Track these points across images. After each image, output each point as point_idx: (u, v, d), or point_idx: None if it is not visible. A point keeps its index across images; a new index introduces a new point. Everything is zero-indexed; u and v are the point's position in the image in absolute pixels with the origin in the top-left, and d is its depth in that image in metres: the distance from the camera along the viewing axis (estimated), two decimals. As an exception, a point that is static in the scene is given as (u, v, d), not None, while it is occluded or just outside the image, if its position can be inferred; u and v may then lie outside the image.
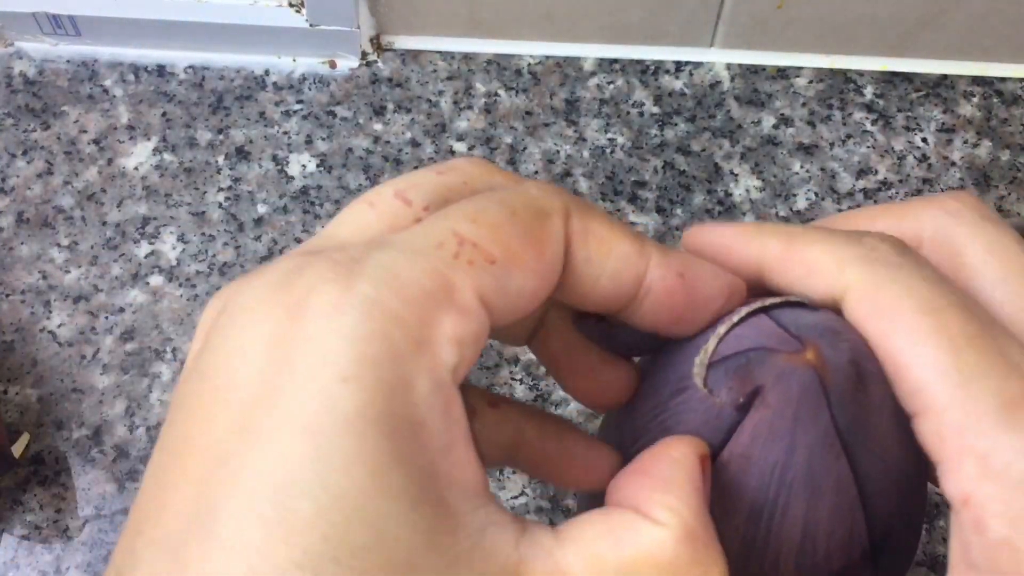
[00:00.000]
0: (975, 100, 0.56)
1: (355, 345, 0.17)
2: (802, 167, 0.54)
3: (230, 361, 0.18)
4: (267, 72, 0.57)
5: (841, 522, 0.21)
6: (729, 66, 0.57)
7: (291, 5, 0.56)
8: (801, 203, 0.53)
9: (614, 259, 0.21)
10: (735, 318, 0.22)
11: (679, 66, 0.57)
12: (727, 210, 0.53)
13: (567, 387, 0.25)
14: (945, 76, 0.57)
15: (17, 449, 0.46)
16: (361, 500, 0.17)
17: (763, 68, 0.57)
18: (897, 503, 0.21)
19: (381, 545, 0.17)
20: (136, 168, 0.54)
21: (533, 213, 0.20)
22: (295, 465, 0.17)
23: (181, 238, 0.52)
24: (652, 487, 0.20)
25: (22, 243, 0.52)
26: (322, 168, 0.54)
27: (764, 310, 0.22)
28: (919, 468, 0.22)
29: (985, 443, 0.18)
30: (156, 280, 0.51)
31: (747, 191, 0.53)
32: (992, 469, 0.18)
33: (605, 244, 0.21)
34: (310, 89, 0.57)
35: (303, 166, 0.54)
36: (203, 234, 0.52)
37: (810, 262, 0.21)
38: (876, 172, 0.54)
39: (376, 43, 0.58)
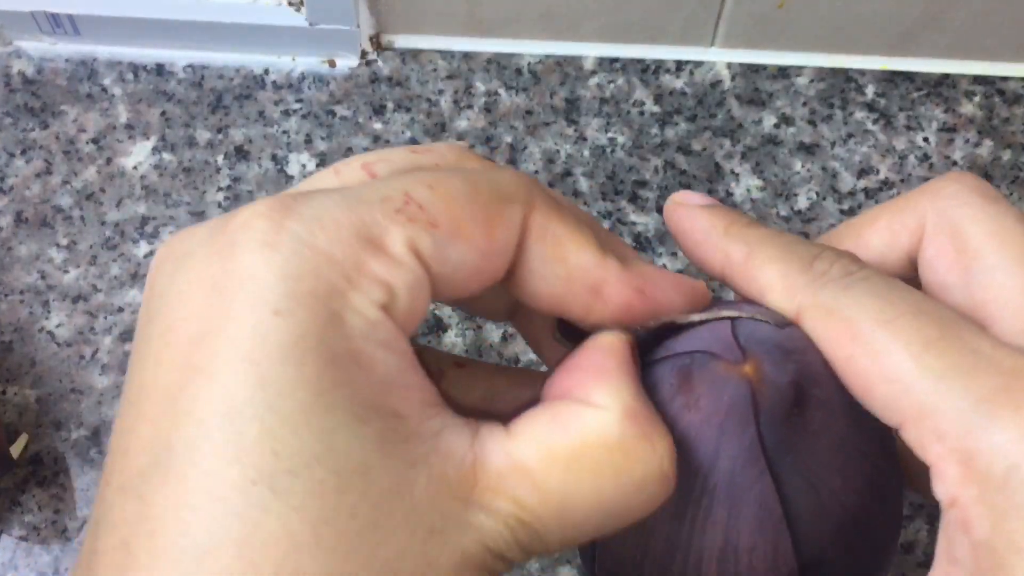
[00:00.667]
0: (977, 99, 0.56)
1: (286, 281, 0.18)
2: (803, 166, 0.54)
3: (172, 304, 0.19)
4: (266, 71, 0.57)
5: (764, 539, 0.21)
6: (730, 65, 0.57)
7: (290, 4, 0.56)
8: (802, 202, 0.53)
9: (570, 265, 0.21)
10: (699, 318, 0.22)
11: (680, 65, 0.57)
12: (728, 210, 0.53)
13: (548, 362, 0.25)
14: (946, 75, 0.57)
15: (16, 450, 0.46)
16: (307, 417, 0.17)
17: (764, 67, 0.57)
18: (833, 533, 0.21)
19: (332, 454, 0.17)
20: (135, 167, 0.54)
21: (494, 195, 0.20)
22: (239, 393, 0.17)
23: (180, 238, 0.52)
24: (589, 377, 0.20)
25: (20, 243, 0.52)
26: (322, 167, 0.54)
27: (731, 318, 0.22)
28: (870, 504, 0.22)
29: (966, 444, 0.19)
30: (155, 280, 0.51)
31: (748, 190, 0.53)
32: (974, 470, 0.18)
33: (562, 248, 0.21)
34: (310, 88, 0.56)
35: (303, 165, 0.54)
36: (202, 234, 0.52)
37: (763, 284, 0.22)
38: (877, 171, 0.54)
39: (376, 42, 0.58)
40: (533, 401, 0.21)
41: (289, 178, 0.54)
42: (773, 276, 0.22)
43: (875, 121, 0.55)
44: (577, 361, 0.21)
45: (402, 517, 0.18)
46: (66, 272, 0.51)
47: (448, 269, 0.20)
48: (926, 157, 0.54)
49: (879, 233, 0.24)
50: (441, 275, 0.20)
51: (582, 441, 0.19)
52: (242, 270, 0.18)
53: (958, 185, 0.23)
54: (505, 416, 0.23)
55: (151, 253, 0.52)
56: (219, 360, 0.18)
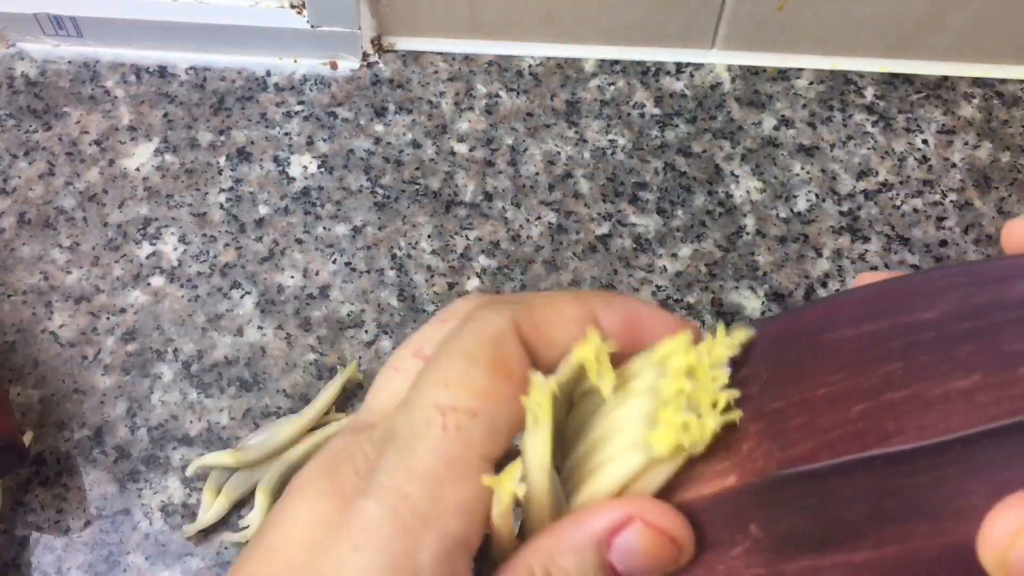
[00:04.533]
0: (975, 101, 0.56)
1: (373, 527, 0.21)
2: (803, 168, 0.54)
3: (283, 529, 0.23)
4: (268, 73, 0.57)
5: None
6: (730, 67, 0.57)
7: (292, 6, 0.56)
8: (802, 204, 0.53)
9: (568, 329, 0.23)
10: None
11: (680, 67, 0.57)
12: (728, 211, 0.53)
13: None
14: (945, 77, 0.57)
15: (19, 449, 0.46)
16: None
17: (764, 69, 0.57)
18: None
19: None
20: (137, 169, 0.54)
21: (489, 344, 0.23)
22: None
23: (182, 239, 0.52)
24: None
25: (24, 244, 0.52)
26: (323, 169, 0.54)
27: None
28: None
29: None
30: (157, 281, 0.51)
31: (748, 192, 0.53)
32: None
33: (554, 324, 0.24)
34: (311, 90, 0.57)
35: (304, 167, 0.54)
36: (204, 235, 0.52)
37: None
38: (877, 173, 0.54)
39: (377, 44, 0.58)
40: None
41: (291, 179, 0.54)
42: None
43: (874, 123, 0.55)
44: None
45: None
46: (69, 273, 0.52)
47: (503, 435, 0.23)
48: (925, 159, 0.54)
49: None
50: (497, 444, 0.23)
51: None
52: (347, 519, 0.22)
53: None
54: None
55: (153, 254, 0.52)
56: None
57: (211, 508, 0.45)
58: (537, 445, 0.23)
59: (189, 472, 0.46)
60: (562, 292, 0.25)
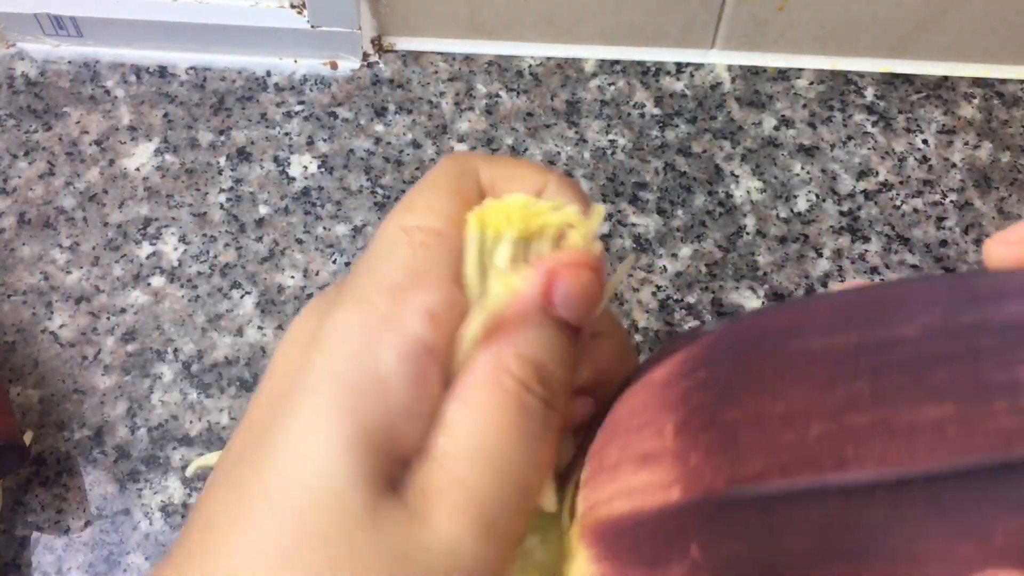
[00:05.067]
0: (976, 102, 0.56)
1: (335, 331, 0.23)
2: (803, 168, 0.54)
3: (278, 359, 0.24)
4: (268, 73, 0.57)
5: None
6: (730, 67, 0.57)
7: (292, 6, 0.56)
8: (802, 204, 0.53)
9: (522, 187, 0.26)
10: None
11: (680, 67, 0.57)
12: (728, 211, 0.53)
13: None
14: (946, 77, 0.57)
15: (19, 449, 0.46)
16: (308, 441, 0.22)
17: (764, 69, 0.57)
18: None
19: (317, 477, 0.22)
20: (138, 169, 0.54)
21: (454, 176, 0.25)
22: (296, 433, 0.22)
23: (182, 239, 0.52)
24: None
25: (24, 244, 0.52)
26: (323, 169, 0.54)
27: None
28: None
29: None
30: (157, 281, 0.51)
31: (748, 192, 0.53)
32: None
33: (514, 181, 0.26)
34: (311, 90, 0.57)
35: (304, 167, 0.54)
36: (204, 235, 0.52)
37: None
38: (877, 174, 0.54)
39: (377, 44, 0.58)
40: None
41: (291, 179, 0.54)
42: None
43: (874, 123, 0.55)
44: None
45: None
46: (69, 273, 0.52)
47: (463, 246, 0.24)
48: (925, 159, 0.54)
49: None
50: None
51: None
52: (320, 331, 0.24)
53: None
54: None
55: (153, 254, 0.52)
56: (293, 403, 0.23)
57: None
58: (466, 267, 0.24)
59: (189, 473, 0.46)
60: (531, 163, 0.27)
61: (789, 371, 0.19)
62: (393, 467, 0.22)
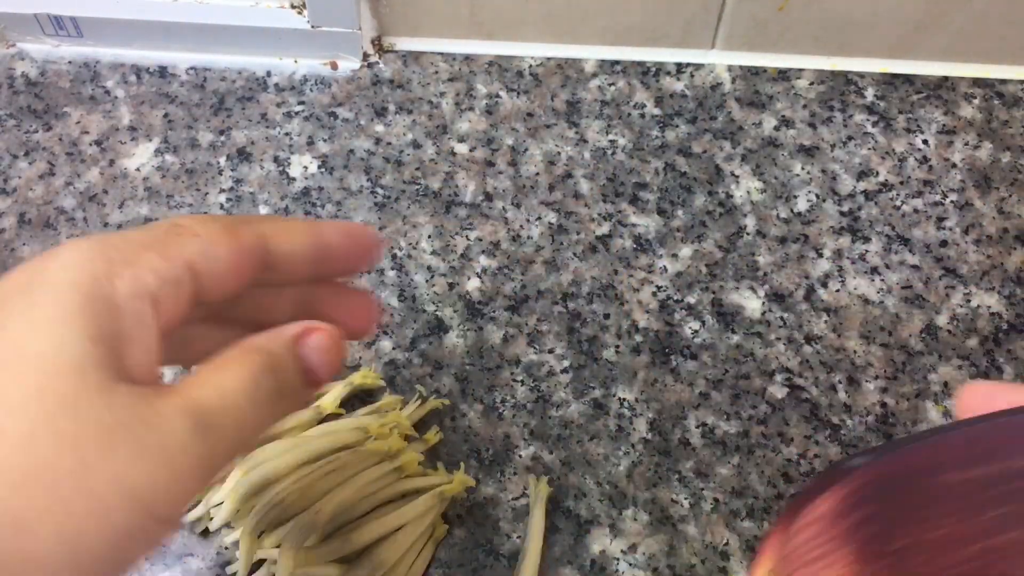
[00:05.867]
0: (976, 102, 0.56)
1: (81, 255, 0.26)
2: (803, 169, 0.54)
3: (6, 277, 0.27)
4: (269, 73, 0.57)
5: None
6: (730, 68, 0.57)
7: (293, 7, 0.56)
8: (802, 204, 0.53)
9: (301, 235, 0.31)
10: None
11: (680, 68, 0.57)
12: (728, 212, 0.53)
13: (338, 326, 0.32)
14: (946, 78, 0.57)
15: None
16: (51, 325, 0.25)
17: (764, 70, 0.57)
18: None
19: (60, 351, 0.25)
20: (138, 169, 0.54)
21: (234, 222, 0.29)
22: (23, 321, 0.25)
23: (183, 239, 0.52)
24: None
25: (24, 244, 0.52)
26: (323, 169, 0.54)
27: None
28: None
29: None
30: (158, 281, 0.51)
31: (748, 193, 0.53)
32: None
33: (290, 231, 0.30)
34: (312, 90, 0.57)
35: (304, 167, 0.54)
36: (205, 235, 0.52)
37: None
38: (877, 174, 0.54)
39: (377, 44, 0.58)
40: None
41: (291, 180, 0.54)
42: None
43: (875, 123, 0.55)
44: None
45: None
46: (69, 273, 0.52)
47: (212, 266, 0.28)
48: (925, 159, 0.54)
49: None
50: (207, 272, 0.28)
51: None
52: (56, 253, 0.26)
53: None
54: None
55: (154, 254, 0.52)
56: (21, 300, 0.26)
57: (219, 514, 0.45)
58: None
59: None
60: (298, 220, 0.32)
61: (939, 502, 0.23)
62: (120, 375, 0.25)
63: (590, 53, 0.57)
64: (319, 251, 0.31)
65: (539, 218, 0.53)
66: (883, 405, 0.47)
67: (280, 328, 0.29)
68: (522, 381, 0.48)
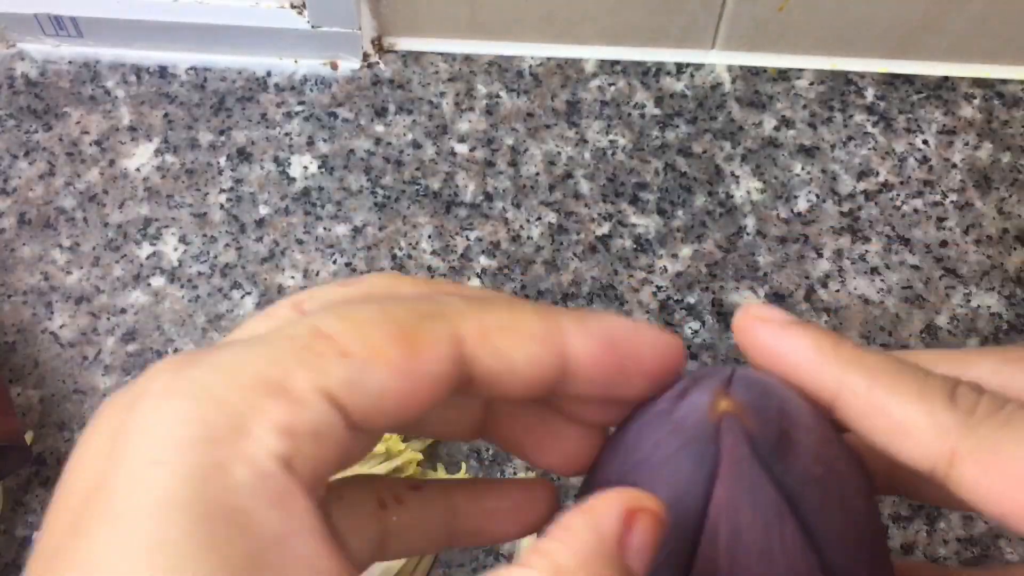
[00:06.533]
0: (976, 102, 0.56)
1: (171, 428, 0.17)
2: (803, 169, 0.54)
3: (77, 460, 0.18)
4: (269, 73, 0.57)
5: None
6: (730, 68, 0.57)
7: (293, 7, 0.56)
8: (802, 204, 0.53)
9: (525, 343, 0.19)
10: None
11: (680, 68, 0.57)
12: (728, 212, 0.53)
13: (535, 463, 0.24)
14: (946, 78, 0.57)
15: (19, 450, 0.46)
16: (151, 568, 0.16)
17: (764, 70, 0.57)
18: (855, 550, 0.21)
19: None
20: (138, 169, 0.54)
21: (413, 315, 0.19)
22: (108, 555, 0.16)
23: (183, 239, 0.52)
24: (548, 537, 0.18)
25: (24, 244, 0.52)
26: (324, 169, 0.54)
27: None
28: (874, 513, 0.22)
29: None
30: (158, 281, 0.51)
31: (748, 193, 0.53)
32: None
33: (509, 333, 0.19)
34: (312, 90, 0.57)
35: (304, 167, 0.54)
36: (205, 235, 0.52)
37: (902, 422, 0.20)
38: (877, 174, 0.54)
39: (378, 44, 0.58)
40: (494, 511, 0.21)
41: (291, 180, 0.54)
42: (915, 414, 0.19)
43: (875, 124, 0.55)
44: (563, 519, 0.19)
45: None
46: (69, 273, 0.52)
47: (368, 399, 0.18)
48: (926, 159, 0.54)
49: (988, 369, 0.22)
50: (361, 407, 0.18)
51: None
52: (137, 420, 0.17)
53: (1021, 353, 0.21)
54: (469, 533, 0.23)
55: (154, 254, 0.52)
56: (97, 518, 0.17)
57: None
58: None
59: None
60: (523, 301, 0.21)
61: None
62: None
63: (590, 53, 0.57)
64: (555, 371, 0.20)
65: (539, 218, 0.53)
66: (883, 405, 0.47)
67: (599, 499, 0.18)
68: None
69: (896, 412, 0.20)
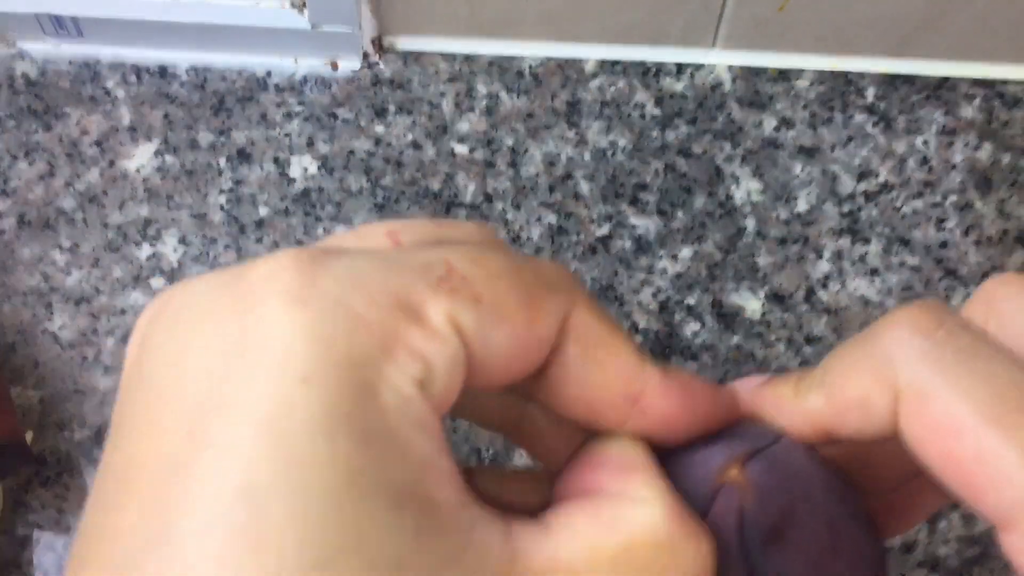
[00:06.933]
0: (976, 102, 0.56)
1: (316, 344, 0.16)
2: (803, 169, 0.54)
3: (175, 364, 0.17)
4: (269, 73, 0.57)
5: None
6: (730, 68, 0.57)
7: (293, 6, 0.56)
8: (802, 205, 0.53)
9: (609, 370, 0.19)
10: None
11: (680, 68, 0.57)
12: (728, 213, 0.53)
13: (542, 459, 0.24)
14: (946, 78, 0.57)
15: (19, 451, 0.47)
16: (337, 501, 0.15)
17: (764, 70, 0.57)
18: None
19: (364, 547, 0.15)
20: (138, 170, 0.54)
21: (539, 281, 0.19)
22: (259, 469, 0.15)
23: (182, 240, 0.52)
24: (622, 471, 0.19)
25: (23, 245, 0.52)
26: (323, 170, 0.54)
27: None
28: None
29: None
30: (158, 282, 0.51)
31: (748, 194, 0.53)
32: None
33: (604, 349, 0.19)
34: (311, 91, 0.57)
35: (304, 168, 0.54)
36: (204, 236, 0.52)
37: (855, 399, 0.19)
38: (877, 175, 0.54)
39: (378, 44, 0.58)
40: (545, 502, 0.20)
41: (291, 180, 0.54)
42: (861, 378, 0.19)
43: (875, 124, 0.55)
44: (601, 457, 0.19)
45: None
46: (69, 274, 0.52)
47: (487, 351, 0.18)
48: (926, 160, 0.54)
49: (855, 387, 0.20)
50: (479, 356, 0.18)
51: (629, 539, 0.18)
52: (266, 328, 0.16)
53: (905, 331, 0.18)
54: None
55: (154, 255, 0.52)
56: (236, 432, 0.15)
57: None
58: None
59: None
60: (627, 333, 0.21)
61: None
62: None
63: (590, 53, 0.57)
64: (625, 409, 0.20)
65: (539, 219, 0.53)
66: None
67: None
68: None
69: (848, 394, 0.19)
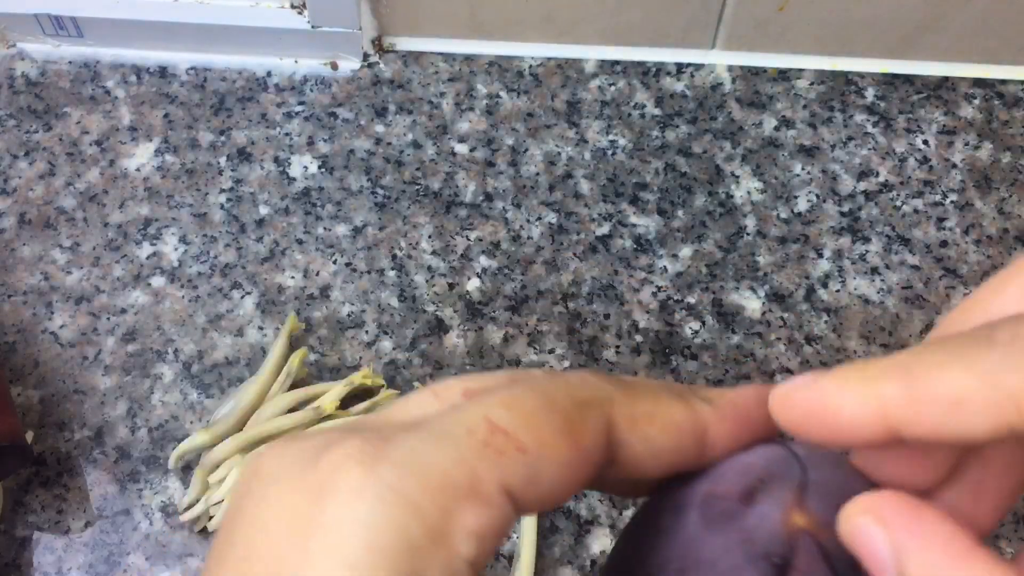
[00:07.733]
0: (976, 102, 0.56)
1: (368, 533, 0.17)
2: (803, 169, 0.54)
3: (254, 534, 0.19)
4: (269, 73, 0.57)
5: None
6: (730, 68, 0.57)
7: (293, 7, 0.56)
8: (802, 205, 0.53)
9: (671, 433, 0.21)
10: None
11: (680, 68, 0.57)
12: (728, 212, 0.53)
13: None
14: (946, 78, 0.57)
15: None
16: None
17: (764, 70, 0.57)
18: None
19: None
20: (138, 169, 0.54)
21: (573, 403, 0.20)
22: None
23: (183, 239, 0.52)
24: None
25: (24, 244, 0.52)
26: (324, 169, 0.54)
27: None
28: None
29: None
30: (158, 281, 0.51)
31: (748, 193, 0.53)
32: None
33: (656, 422, 0.21)
34: (312, 90, 0.57)
35: (304, 167, 0.54)
36: (205, 235, 0.52)
37: (951, 395, 0.18)
38: (877, 174, 0.54)
39: (378, 44, 0.58)
40: None
41: (291, 180, 0.54)
42: (961, 377, 0.18)
43: (875, 124, 0.55)
44: None
45: None
46: (69, 273, 0.52)
47: (539, 491, 0.19)
48: (926, 160, 0.54)
49: (1012, 300, 0.19)
50: (532, 497, 0.19)
51: None
52: (326, 517, 0.18)
53: None
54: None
55: (154, 254, 0.52)
56: None
57: (190, 490, 0.46)
58: None
59: (171, 465, 0.46)
60: (663, 386, 0.22)
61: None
62: None
63: (590, 53, 0.57)
64: (695, 456, 0.21)
65: (539, 218, 0.53)
66: (883, 405, 0.47)
67: None
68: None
69: (941, 389, 0.18)
